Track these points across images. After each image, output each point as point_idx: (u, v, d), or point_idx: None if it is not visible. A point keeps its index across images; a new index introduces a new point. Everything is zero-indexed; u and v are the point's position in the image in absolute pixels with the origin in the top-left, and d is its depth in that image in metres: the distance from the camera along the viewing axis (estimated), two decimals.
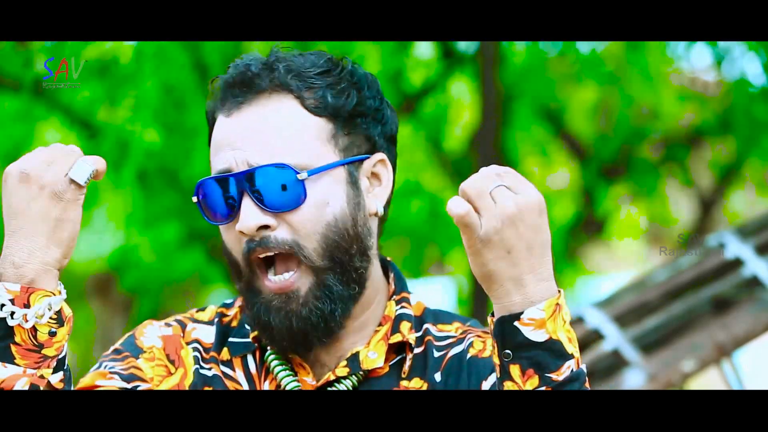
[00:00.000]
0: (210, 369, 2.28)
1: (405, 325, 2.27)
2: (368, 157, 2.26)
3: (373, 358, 2.23)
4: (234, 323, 2.33)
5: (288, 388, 2.23)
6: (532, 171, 7.35)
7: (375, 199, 2.26)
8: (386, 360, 2.25)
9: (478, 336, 2.27)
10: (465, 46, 6.56)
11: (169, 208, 6.01)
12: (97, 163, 2.06)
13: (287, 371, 2.24)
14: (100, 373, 2.24)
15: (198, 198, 2.25)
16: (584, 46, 6.44)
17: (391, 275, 2.33)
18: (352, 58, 2.31)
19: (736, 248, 4.26)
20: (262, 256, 2.20)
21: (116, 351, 2.29)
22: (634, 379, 4.14)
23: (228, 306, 2.37)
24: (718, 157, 7.29)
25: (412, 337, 2.25)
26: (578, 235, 7.43)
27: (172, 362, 2.28)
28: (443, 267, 8.05)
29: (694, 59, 6.92)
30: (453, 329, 2.29)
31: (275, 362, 2.25)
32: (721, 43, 6.11)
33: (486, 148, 5.75)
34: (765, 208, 6.22)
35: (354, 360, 2.24)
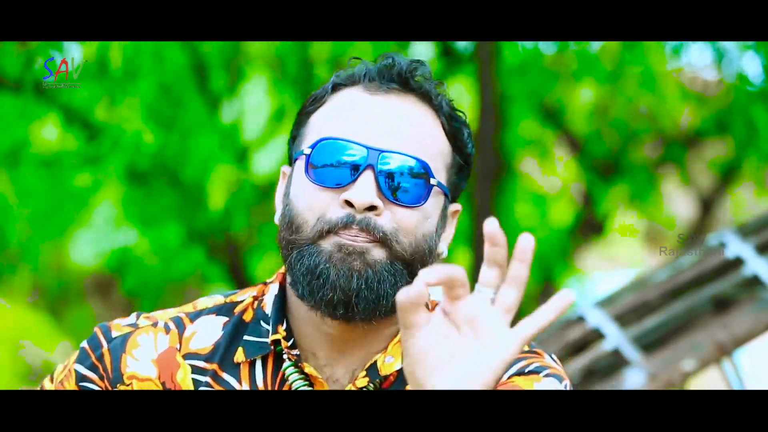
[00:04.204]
0: (210, 388, 2.22)
1: None
2: (453, 203, 2.28)
3: (390, 362, 2.22)
4: (247, 316, 2.28)
5: None
6: (530, 170, 7.36)
7: (443, 241, 2.27)
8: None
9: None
10: (463, 46, 6.56)
11: (169, 208, 6.02)
12: None
13: (307, 384, 2.21)
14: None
15: (310, 150, 2.19)
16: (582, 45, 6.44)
17: None
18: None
19: (737, 247, 4.26)
20: (354, 236, 2.16)
21: (93, 368, 2.24)
22: (634, 378, 4.13)
23: (233, 295, 2.32)
24: (717, 157, 7.30)
25: None
26: (578, 235, 7.44)
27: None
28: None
29: (694, 58, 6.92)
30: None
31: (294, 375, 2.22)
32: (721, 43, 6.12)
33: (485, 147, 5.75)
34: (765, 207, 6.22)
35: (372, 368, 2.22)
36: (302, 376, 2.22)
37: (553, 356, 2.26)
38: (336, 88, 2.25)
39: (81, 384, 2.23)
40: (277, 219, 2.26)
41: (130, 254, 6.37)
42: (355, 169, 2.18)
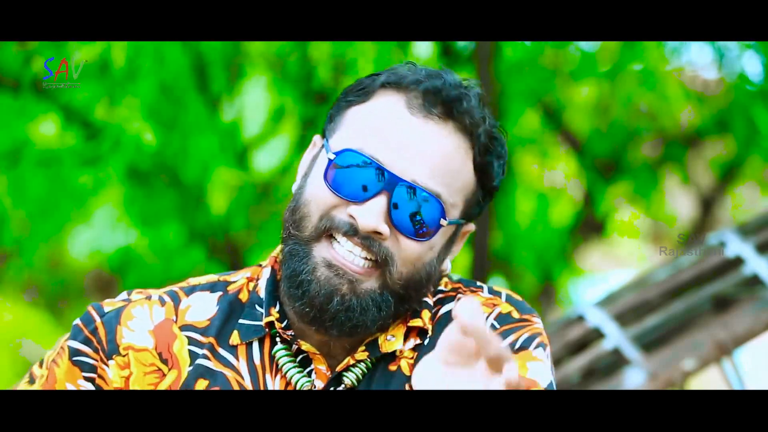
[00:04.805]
0: (208, 360, 2.24)
1: (426, 314, 2.27)
2: (468, 224, 2.29)
3: (392, 341, 2.23)
4: (242, 296, 2.29)
5: (299, 384, 2.21)
6: (530, 169, 7.35)
7: (447, 259, 2.28)
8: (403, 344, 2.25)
9: (473, 291, 2.28)
10: (463, 45, 6.55)
11: (169, 207, 6.01)
12: None
13: (296, 367, 2.22)
14: (69, 373, 2.22)
15: (334, 156, 2.20)
16: (581, 45, 6.44)
17: None
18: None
19: (737, 247, 4.25)
20: (351, 256, 2.17)
21: (86, 341, 2.24)
22: (634, 377, 4.13)
23: (226, 275, 2.33)
24: (718, 156, 7.30)
25: (430, 327, 2.26)
26: (578, 234, 7.43)
27: (165, 361, 2.25)
28: None
29: (694, 57, 6.92)
30: (443, 284, 2.30)
31: (284, 358, 2.23)
32: (721, 42, 6.11)
33: None
34: (765, 207, 6.22)
35: (373, 345, 2.23)
36: (292, 357, 2.23)
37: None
38: (383, 86, 2.23)
39: (74, 359, 2.23)
40: (294, 188, 2.28)
41: (130, 254, 6.37)
42: (371, 190, 2.17)
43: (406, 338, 2.25)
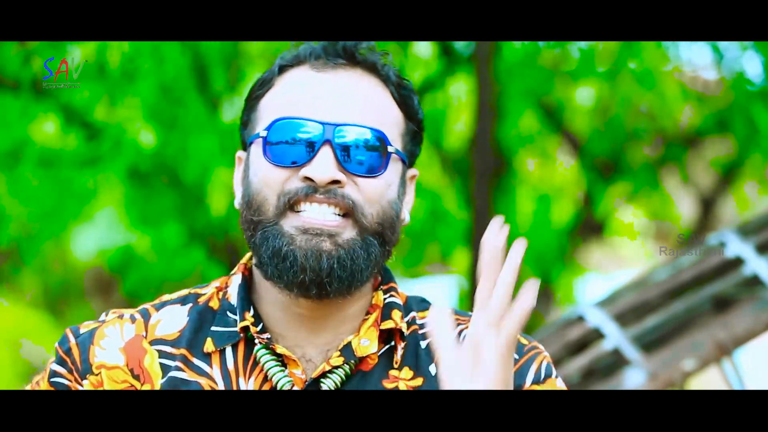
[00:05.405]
0: (182, 372, 2.24)
1: (396, 314, 2.27)
2: (410, 168, 2.31)
3: (366, 345, 2.23)
4: (213, 305, 2.29)
5: (280, 384, 2.21)
6: (530, 170, 7.36)
7: (404, 208, 2.29)
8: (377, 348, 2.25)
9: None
10: (462, 46, 6.56)
11: (170, 208, 6.02)
12: None
13: (278, 366, 2.23)
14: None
15: (266, 132, 2.22)
16: (581, 44, 6.44)
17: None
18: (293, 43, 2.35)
19: (737, 247, 4.25)
20: (324, 202, 2.18)
21: (61, 362, 2.25)
22: (634, 378, 4.13)
23: (197, 288, 2.33)
24: (719, 156, 7.30)
25: (404, 326, 2.26)
26: (578, 234, 7.43)
27: (137, 377, 2.24)
28: (443, 266, 8.05)
29: (694, 57, 6.93)
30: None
31: (266, 357, 2.23)
32: (721, 42, 6.12)
33: (484, 146, 5.75)
34: (766, 207, 6.22)
35: (347, 349, 2.23)
36: (274, 357, 2.22)
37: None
38: (282, 69, 2.26)
39: (52, 380, 2.26)
40: (237, 203, 2.29)
41: (130, 254, 6.37)
42: (312, 146, 2.20)
43: (378, 344, 2.26)
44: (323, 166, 2.18)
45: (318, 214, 2.19)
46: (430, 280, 8.37)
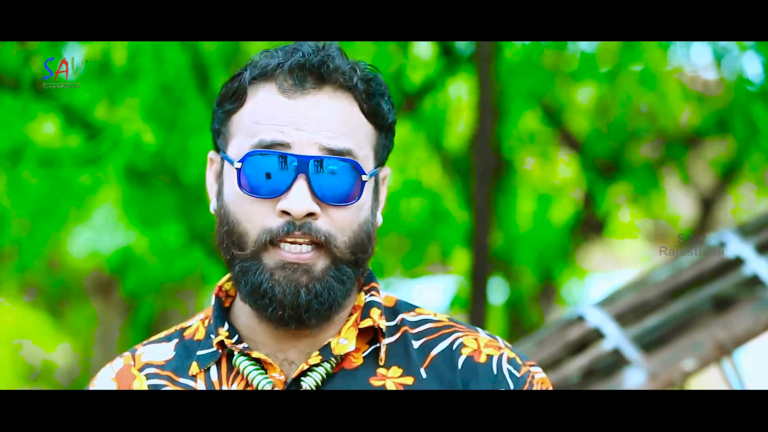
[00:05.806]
0: (168, 387, 2.29)
1: (375, 312, 2.29)
2: (383, 169, 2.33)
3: (344, 343, 2.26)
4: (198, 336, 2.34)
5: (260, 385, 2.24)
6: (530, 169, 7.36)
7: (378, 213, 2.31)
8: (359, 349, 2.27)
9: (467, 334, 2.28)
10: (463, 46, 6.55)
11: (169, 207, 6.01)
12: None
13: (258, 369, 2.25)
14: None
15: (240, 165, 2.24)
16: (581, 45, 6.44)
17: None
18: (350, 58, 2.34)
19: (737, 247, 4.25)
20: (300, 240, 2.21)
21: None
22: (634, 378, 4.13)
23: (184, 323, 2.40)
24: (719, 156, 7.30)
25: (382, 323, 2.27)
26: (578, 234, 7.43)
27: None
28: (443, 266, 8.05)
29: (694, 57, 6.92)
30: (431, 314, 2.31)
31: (245, 363, 2.26)
32: (720, 42, 6.12)
33: (484, 147, 5.75)
34: (766, 207, 6.22)
35: (326, 348, 2.26)
36: (253, 362, 2.26)
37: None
38: (251, 83, 2.27)
39: None
40: (212, 209, 2.35)
41: (130, 254, 6.37)
42: (287, 180, 2.22)
43: (360, 344, 2.28)
44: (299, 200, 2.21)
45: (296, 249, 2.23)
46: (430, 280, 8.36)
